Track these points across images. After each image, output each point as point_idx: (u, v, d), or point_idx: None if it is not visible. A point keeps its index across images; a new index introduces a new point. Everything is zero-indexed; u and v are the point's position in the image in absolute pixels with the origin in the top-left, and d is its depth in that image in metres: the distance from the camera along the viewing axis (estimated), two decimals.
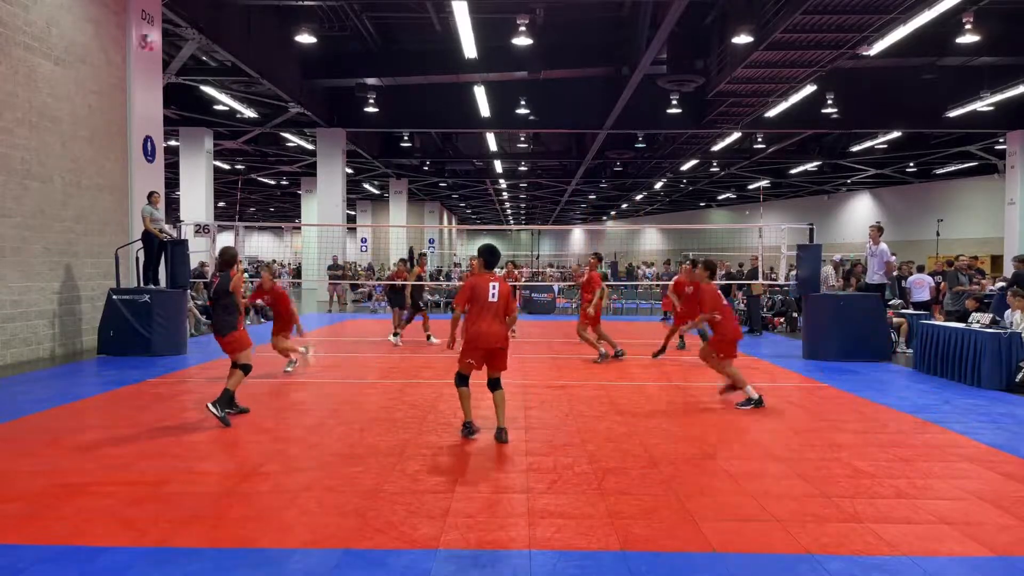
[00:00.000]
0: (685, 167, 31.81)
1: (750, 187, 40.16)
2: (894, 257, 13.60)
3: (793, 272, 14.45)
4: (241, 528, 4.20)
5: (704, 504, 4.67)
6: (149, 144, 13.44)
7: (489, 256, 6.52)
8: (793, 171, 33.45)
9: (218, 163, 29.17)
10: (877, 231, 12.33)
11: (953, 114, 20.68)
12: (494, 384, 6.39)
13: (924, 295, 14.21)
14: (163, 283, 12.09)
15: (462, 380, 6.37)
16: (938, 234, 28.64)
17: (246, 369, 7.02)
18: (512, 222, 66.91)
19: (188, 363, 10.73)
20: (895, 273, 15.76)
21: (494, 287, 6.30)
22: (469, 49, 16.21)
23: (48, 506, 4.50)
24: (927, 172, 32.84)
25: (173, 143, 23.33)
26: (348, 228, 36.57)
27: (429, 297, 21.54)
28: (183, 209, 21.81)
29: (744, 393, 7.83)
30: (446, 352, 12.49)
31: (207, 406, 6.68)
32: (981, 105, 19.72)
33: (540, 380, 9.49)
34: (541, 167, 36.13)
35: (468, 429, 6.38)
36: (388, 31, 19.35)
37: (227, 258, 7.16)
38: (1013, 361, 9.07)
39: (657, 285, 22.70)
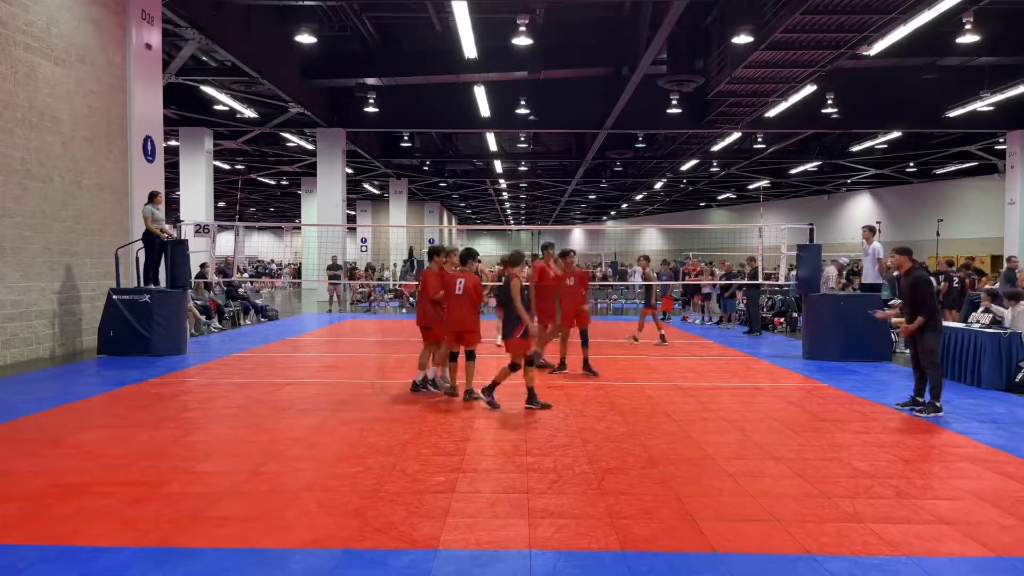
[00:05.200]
0: (685, 167, 31.79)
1: (750, 187, 40.18)
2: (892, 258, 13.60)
3: (793, 272, 14.45)
4: (241, 528, 4.20)
5: (704, 504, 4.66)
6: (149, 144, 13.44)
7: (465, 256, 8.10)
8: (793, 171, 33.44)
9: (218, 163, 29.16)
10: (870, 232, 12.37)
11: (953, 114, 20.67)
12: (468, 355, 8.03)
13: None
14: (163, 283, 12.09)
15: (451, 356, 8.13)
16: (938, 234, 28.63)
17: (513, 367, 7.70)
18: (512, 222, 66.89)
19: (188, 363, 10.73)
20: (895, 273, 15.76)
21: (460, 282, 7.84)
22: (469, 49, 16.20)
23: (48, 506, 4.50)
24: (927, 172, 32.83)
25: (173, 143, 23.32)
26: (348, 228, 36.54)
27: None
28: (183, 209, 21.81)
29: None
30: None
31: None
32: (981, 105, 19.71)
33: (540, 380, 9.47)
34: (541, 167, 36.10)
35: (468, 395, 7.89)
36: (388, 31, 19.34)
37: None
38: (1013, 361, 9.07)
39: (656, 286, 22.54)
